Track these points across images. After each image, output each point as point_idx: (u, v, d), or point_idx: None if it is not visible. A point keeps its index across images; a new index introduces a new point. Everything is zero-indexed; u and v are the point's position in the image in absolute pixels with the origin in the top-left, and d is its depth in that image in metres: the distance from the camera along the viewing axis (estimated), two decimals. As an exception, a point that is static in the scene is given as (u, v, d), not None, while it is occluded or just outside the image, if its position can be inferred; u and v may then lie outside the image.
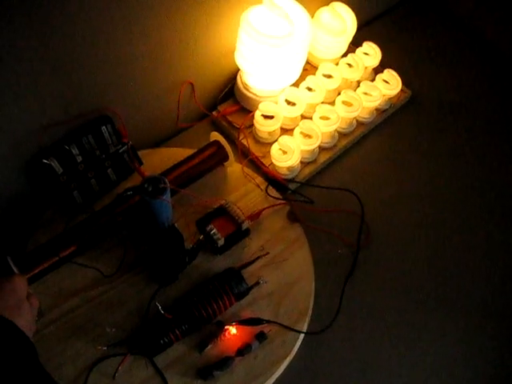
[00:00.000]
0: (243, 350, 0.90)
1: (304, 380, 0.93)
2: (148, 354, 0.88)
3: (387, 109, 1.17)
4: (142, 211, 0.93)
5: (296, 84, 1.10)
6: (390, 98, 1.16)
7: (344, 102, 1.09)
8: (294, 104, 1.07)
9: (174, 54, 1.00)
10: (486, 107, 1.25)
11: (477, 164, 1.16)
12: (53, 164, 0.93)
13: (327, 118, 1.06)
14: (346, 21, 1.11)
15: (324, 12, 1.12)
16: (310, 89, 1.10)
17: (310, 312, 0.96)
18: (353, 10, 1.14)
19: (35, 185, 0.99)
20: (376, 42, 1.18)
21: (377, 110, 1.16)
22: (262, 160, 1.07)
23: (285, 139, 1.03)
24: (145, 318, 0.91)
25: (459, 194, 1.12)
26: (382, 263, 1.04)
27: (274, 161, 1.04)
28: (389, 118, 1.19)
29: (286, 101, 1.08)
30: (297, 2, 1.02)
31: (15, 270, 0.87)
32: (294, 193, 1.07)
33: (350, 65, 1.14)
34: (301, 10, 1.01)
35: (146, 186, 0.89)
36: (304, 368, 0.93)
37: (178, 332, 0.88)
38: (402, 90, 1.18)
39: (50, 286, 0.93)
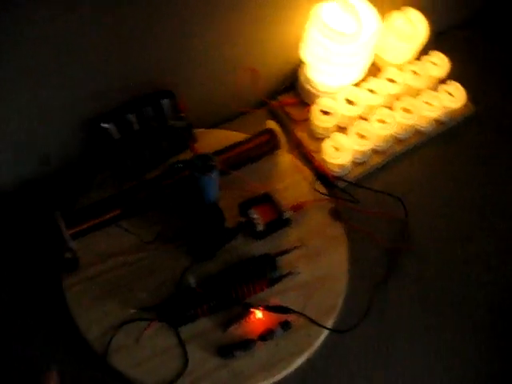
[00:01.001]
0: (266, 336, 0.91)
1: (319, 376, 0.93)
2: (173, 324, 0.91)
3: (447, 121, 1.15)
4: (189, 186, 0.96)
5: (358, 84, 1.11)
6: (451, 111, 1.14)
7: (403, 108, 1.08)
8: (353, 103, 1.07)
9: (241, 38, 1.02)
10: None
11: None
12: (111, 129, 0.97)
13: (384, 122, 1.06)
14: (417, 27, 1.10)
15: (396, 16, 1.11)
16: (371, 90, 1.10)
17: (337, 310, 0.96)
18: (427, 18, 1.13)
19: (92, 147, 1.03)
20: (447, 54, 1.17)
21: (436, 120, 1.14)
22: (313, 154, 1.08)
23: (339, 137, 1.04)
24: (176, 289, 0.93)
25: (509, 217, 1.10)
26: (418, 275, 1.02)
27: (325, 156, 1.04)
28: (448, 131, 1.17)
29: (346, 99, 1.08)
30: (368, 3, 1.02)
31: (61, 224, 0.92)
32: (340, 191, 1.07)
33: (415, 72, 1.13)
34: (371, 11, 1.01)
35: (196, 161, 0.91)
36: (319, 365, 0.93)
37: (205, 307, 0.90)
38: (465, 105, 1.16)
39: (91, 244, 0.97)
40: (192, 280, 0.90)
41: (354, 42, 0.98)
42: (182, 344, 0.90)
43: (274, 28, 1.05)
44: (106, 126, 0.97)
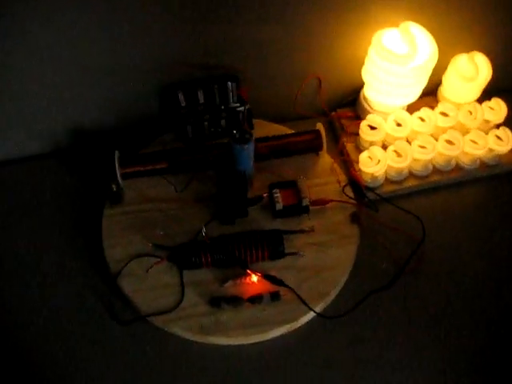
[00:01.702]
0: (255, 299, 1.00)
1: (295, 354, 1.00)
2: (180, 266, 1.03)
3: (494, 165, 1.18)
4: (226, 155, 1.09)
5: (411, 112, 1.18)
6: (498, 155, 1.17)
7: (447, 141, 1.14)
8: (400, 125, 1.15)
9: (311, 49, 1.16)
10: None
11: None
12: (180, 96, 1.13)
13: (424, 147, 1.12)
14: (479, 70, 1.16)
15: (461, 57, 1.18)
16: (421, 119, 1.17)
17: (329, 298, 1.03)
18: (497, 68, 1.19)
19: (163, 109, 1.20)
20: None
21: (481, 162, 1.18)
22: (353, 164, 1.17)
23: (375, 149, 1.12)
24: (191, 238, 1.06)
25: None
26: (417, 294, 1.06)
27: (360, 164, 1.13)
28: (495, 177, 1.20)
29: (395, 120, 1.16)
30: (430, 37, 1.10)
31: (116, 162, 1.09)
32: (366, 199, 1.14)
33: (470, 112, 1.18)
34: (430, 43, 1.10)
35: (234, 132, 1.04)
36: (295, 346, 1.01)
37: (209, 258, 1.02)
38: (515, 155, 1.19)
39: (138, 186, 1.13)
40: (204, 230, 1.02)
41: (406, 64, 1.07)
42: (182, 285, 1.02)
43: (342, 47, 1.17)
44: (178, 93, 1.13)
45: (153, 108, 1.20)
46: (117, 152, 1.10)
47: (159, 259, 1.04)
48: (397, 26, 1.11)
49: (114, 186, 1.09)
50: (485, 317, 1.04)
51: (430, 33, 1.11)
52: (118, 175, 1.10)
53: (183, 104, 1.14)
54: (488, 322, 1.04)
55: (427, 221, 1.12)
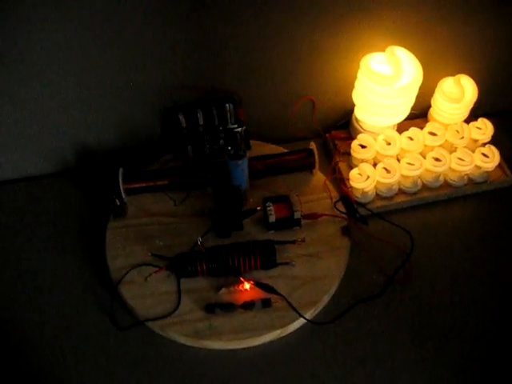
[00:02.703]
0: (247, 305, 1.05)
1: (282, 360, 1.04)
2: (177, 274, 1.09)
3: (482, 183, 1.23)
4: (223, 172, 1.15)
5: (401, 131, 1.24)
6: (487, 173, 1.22)
7: (434, 158, 1.19)
8: (389, 144, 1.21)
9: (303, 70, 1.23)
10: None
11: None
12: (180, 118, 1.21)
13: (412, 164, 1.18)
14: (465, 92, 1.22)
15: (448, 80, 1.25)
16: (410, 138, 1.23)
17: (319, 306, 1.07)
18: (483, 92, 1.25)
19: (164, 130, 1.28)
20: (499, 125, 1.27)
21: (470, 179, 1.23)
22: (345, 181, 1.22)
23: (365, 165, 1.18)
24: (189, 249, 1.11)
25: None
26: (404, 306, 1.09)
27: (350, 181, 1.18)
28: (483, 194, 1.25)
29: (384, 140, 1.22)
30: (416, 61, 1.17)
31: (120, 178, 1.16)
32: (357, 213, 1.19)
33: (457, 131, 1.24)
34: (416, 67, 1.16)
35: (229, 148, 1.11)
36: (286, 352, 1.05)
37: (205, 267, 1.07)
38: (504, 172, 1.24)
39: (140, 201, 1.20)
40: (200, 240, 1.08)
41: (391, 84, 1.14)
42: (179, 292, 1.07)
43: (333, 71, 1.25)
44: (179, 115, 1.21)
45: (155, 129, 1.28)
46: (121, 169, 1.18)
47: (158, 268, 1.10)
48: (383, 50, 1.18)
49: (117, 200, 1.16)
50: (470, 328, 1.07)
51: (418, 57, 1.18)
52: (122, 190, 1.17)
53: (184, 125, 1.22)
54: (473, 333, 1.07)
55: (416, 235, 1.17)
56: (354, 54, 1.21)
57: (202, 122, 1.22)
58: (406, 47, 1.18)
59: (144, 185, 1.20)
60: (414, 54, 1.18)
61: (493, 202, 1.25)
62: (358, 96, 1.23)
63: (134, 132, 1.27)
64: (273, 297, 1.06)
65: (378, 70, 1.17)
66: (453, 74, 1.26)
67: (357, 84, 1.22)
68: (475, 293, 1.12)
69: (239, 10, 1.09)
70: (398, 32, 1.19)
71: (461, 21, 1.21)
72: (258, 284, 1.07)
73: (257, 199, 1.19)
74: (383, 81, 1.14)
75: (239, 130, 1.24)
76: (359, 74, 1.20)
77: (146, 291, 1.08)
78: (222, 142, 1.24)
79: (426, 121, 1.32)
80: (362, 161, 1.22)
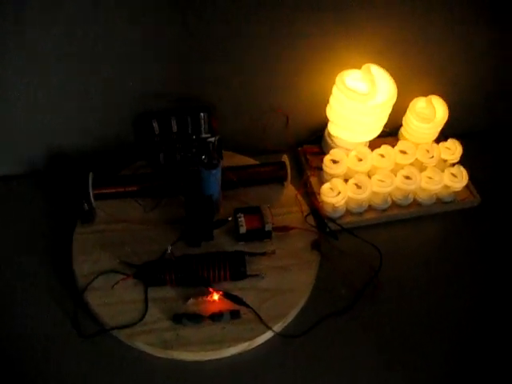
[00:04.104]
0: (215, 316, 1.04)
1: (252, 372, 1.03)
2: (145, 283, 1.07)
3: (450, 202, 1.25)
4: (195, 180, 1.14)
5: (372, 149, 1.26)
6: (454, 193, 1.24)
7: (405, 176, 1.20)
8: (361, 160, 1.22)
9: (278, 85, 1.24)
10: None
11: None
12: (154, 125, 1.20)
13: (383, 181, 1.19)
14: (435, 112, 1.25)
15: (420, 100, 1.27)
16: (381, 155, 1.24)
17: (288, 319, 1.07)
18: (453, 113, 1.27)
19: (137, 137, 1.27)
20: (468, 146, 1.29)
21: (439, 199, 1.25)
22: (316, 196, 1.23)
23: (337, 181, 1.19)
24: (158, 257, 1.10)
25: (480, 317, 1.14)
26: (372, 320, 1.10)
27: (321, 195, 1.19)
28: (450, 214, 1.27)
29: (356, 156, 1.23)
30: (390, 79, 1.19)
31: (89, 183, 1.14)
32: (327, 228, 1.20)
33: (427, 151, 1.26)
34: (390, 85, 1.18)
35: (203, 157, 1.10)
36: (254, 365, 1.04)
37: (173, 276, 1.06)
38: (471, 192, 1.27)
39: (109, 207, 1.19)
40: (169, 248, 1.07)
41: (366, 101, 1.15)
42: (146, 301, 1.05)
43: (308, 86, 1.26)
44: (152, 123, 1.20)
45: (128, 135, 1.27)
46: (91, 173, 1.16)
47: (125, 276, 1.07)
48: (359, 67, 1.20)
49: (86, 205, 1.14)
50: (437, 342, 1.08)
51: (392, 76, 1.20)
52: (91, 195, 1.15)
53: (157, 132, 1.21)
54: (440, 348, 1.08)
55: (385, 251, 1.18)
56: (329, 70, 1.22)
57: (175, 130, 1.21)
58: (381, 65, 1.20)
59: (114, 190, 1.18)
60: (389, 72, 1.20)
61: (459, 221, 1.27)
62: (332, 111, 1.24)
63: (106, 137, 1.26)
64: (242, 308, 1.05)
65: (353, 86, 1.18)
66: (425, 95, 1.28)
67: (331, 99, 1.23)
68: (441, 308, 1.13)
69: (218, 24, 1.10)
70: (374, 50, 1.21)
71: (436, 44, 1.24)
72: (227, 295, 1.06)
73: (228, 210, 1.18)
74: (358, 97, 1.16)
75: (212, 139, 1.23)
76: (334, 90, 1.21)
77: (113, 299, 1.05)
78: (194, 150, 1.24)
79: (397, 139, 1.35)
80: (334, 176, 1.23)
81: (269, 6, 1.09)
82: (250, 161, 1.29)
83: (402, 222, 1.25)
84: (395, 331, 1.09)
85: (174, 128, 1.21)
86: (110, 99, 1.19)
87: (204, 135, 1.23)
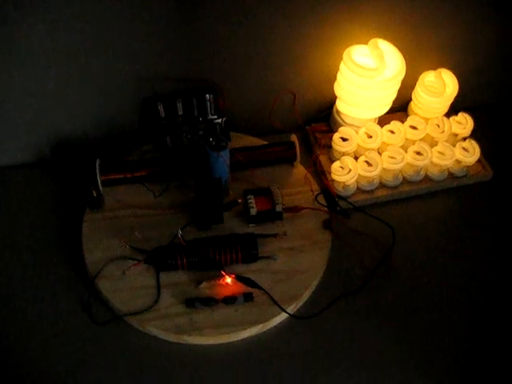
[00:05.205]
0: (228, 300, 1.03)
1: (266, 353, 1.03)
2: (157, 268, 1.06)
3: (462, 177, 1.23)
4: (203, 161, 1.13)
5: (382, 125, 1.24)
6: (466, 167, 1.22)
7: (415, 152, 1.19)
8: (370, 137, 1.20)
9: (285, 63, 1.22)
10: None
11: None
12: (160, 108, 1.18)
13: (394, 158, 1.17)
14: (445, 85, 1.22)
15: (429, 74, 1.25)
16: (392, 132, 1.22)
17: (301, 300, 1.06)
18: (463, 86, 1.25)
19: (143, 121, 1.25)
20: (479, 119, 1.27)
21: (451, 174, 1.23)
22: (326, 174, 1.21)
23: (347, 159, 1.17)
24: (168, 242, 1.09)
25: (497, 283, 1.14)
26: (386, 299, 1.09)
27: (332, 174, 1.17)
28: (464, 188, 1.25)
29: (366, 133, 1.21)
30: (399, 53, 1.16)
31: (97, 169, 1.13)
32: (341, 210, 1.18)
33: (438, 125, 1.24)
34: (398, 59, 1.16)
35: (211, 139, 1.09)
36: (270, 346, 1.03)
37: (185, 261, 1.05)
38: (483, 166, 1.24)
39: (117, 193, 1.17)
40: (180, 233, 1.05)
41: (374, 77, 1.13)
42: (158, 286, 1.04)
43: (315, 63, 1.24)
44: (158, 105, 1.18)
45: (133, 119, 1.25)
46: (98, 160, 1.14)
47: (136, 261, 1.07)
48: (366, 42, 1.17)
49: (94, 192, 1.12)
50: (453, 320, 1.07)
51: (400, 50, 1.17)
52: (99, 182, 1.13)
53: (163, 115, 1.19)
54: (457, 326, 1.07)
55: (397, 228, 1.16)
56: (336, 47, 1.19)
57: (181, 113, 1.20)
58: (389, 40, 1.17)
59: (122, 176, 1.16)
60: (396, 46, 1.17)
61: (472, 195, 1.25)
62: (339, 88, 1.22)
63: (111, 122, 1.24)
64: (254, 291, 1.04)
65: (360, 62, 1.16)
66: (434, 68, 1.26)
67: (339, 76, 1.21)
68: (456, 285, 1.12)
69: (224, 7, 1.08)
70: (381, 24, 1.18)
71: (445, 16, 1.21)
72: (240, 278, 1.05)
73: (237, 192, 1.17)
74: (366, 73, 1.13)
75: (219, 120, 1.22)
76: (341, 66, 1.18)
77: (124, 285, 1.05)
78: (201, 132, 1.22)
79: (407, 114, 1.32)
80: (343, 154, 1.21)
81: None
82: (258, 141, 1.27)
83: (414, 199, 1.23)
84: (409, 309, 1.08)
85: (180, 111, 1.19)
86: (114, 83, 1.17)
87: (210, 117, 1.21)
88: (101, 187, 1.14)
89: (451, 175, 1.24)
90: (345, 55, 1.17)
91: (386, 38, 1.18)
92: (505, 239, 1.20)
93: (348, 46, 1.18)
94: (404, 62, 1.16)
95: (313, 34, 1.17)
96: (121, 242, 1.10)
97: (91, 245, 1.10)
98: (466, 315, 1.09)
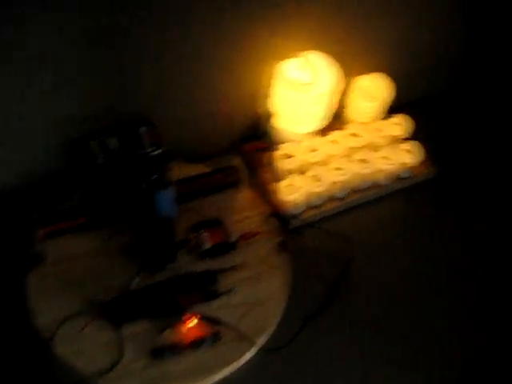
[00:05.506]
0: (196, 343, 0.99)
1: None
2: (115, 321, 1.01)
3: (407, 178, 1.24)
4: (147, 201, 1.07)
5: (323, 136, 1.22)
6: (411, 168, 1.23)
7: (361, 160, 1.18)
8: (314, 150, 1.18)
9: (217, 84, 1.17)
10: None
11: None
12: (92, 147, 1.11)
13: (340, 169, 1.16)
14: (382, 89, 1.22)
15: (363, 79, 1.24)
16: (334, 142, 1.21)
17: (269, 331, 1.03)
18: (396, 85, 1.24)
19: (75, 164, 1.17)
20: (416, 119, 1.27)
21: (395, 176, 1.23)
22: (273, 194, 1.18)
23: (294, 177, 1.15)
24: (123, 291, 1.03)
25: (452, 278, 1.16)
26: (354, 313, 1.09)
27: (280, 194, 1.14)
28: (409, 189, 1.26)
29: (308, 146, 1.19)
30: (332, 63, 1.14)
31: (36, 223, 1.05)
32: (290, 227, 1.16)
33: (377, 129, 1.24)
34: (332, 70, 1.14)
35: (154, 177, 1.04)
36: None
37: (144, 309, 1.00)
38: (426, 165, 1.25)
39: (59, 244, 1.09)
40: (136, 280, 1.00)
41: (309, 91, 1.11)
42: (120, 340, 0.99)
43: (247, 81, 1.19)
44: (90, 145, 1.11)
45: (66, 162, 1.17)
46: (34, 214, 1.07)
47: (93, 317, 1.01)
48: (298, 55, 1.15)
49: (34, 247, 1.05)
50: (419, 321, 1.09)
51: (331, 58, 1.15)
52: (38, 236, 1.06)
53: (97, 155, 1.12)
54: (422, 326, 1.09)
55: (352, 238, 1.16)
56: (267, 62, 1.16)
57: (116, 150, 1.13)
58: (320, 49, 1.15)
59: (62, 226, 1.09)
60: (328, 54, 1.15)
61: (418, 194, 1.27)
62: (274, 104, 1.19)
63: (42, 168, 1.16)
64: (221, 329, 1.01)
65: (294, 76, 1.13)
66: (367, 72, 1.25)
67: (272, 92, 1.18)
68: (419, 284, 1.14)
69: (147, 31, 1.01)
70: (312, 36, 1.15)
71: (373, 20, 1.20)
72: (204, 318, 1.01)
73: (185, 225, 1.12)
74: (301, 88, 1.11)
75: (157, 152, 1.16)
76: (274, 82, 1.15)
77: (84, 344, 0.99)
78: (140, 168, 1.17)
79: (342, 122, 1.31)
80: (288, 171, 1.18)
81: (186, 10, 1.01)
82: (200, 168, 1.23)
83: (362, 206, 1.23)
84: (377, 316, 1.09)
85: (116, 148, 1.13)
86: (37, 126, 1.08)
87: (148, 150, 1.15)
88: (41, 242, 1.06)
89: (396, 177, 1.24)
90: (276, 70, 1.14)
91: (318, 48, 1.15)
92: (456, 231, 1.22)
93: (280, 60, 1.15)
94: (339, 71, 1.14)
95: (241, 52, 1.13)
96: (72, 297, 1.03)
97: (40, 306, 1.02)
98: (437, 312, 1.11)
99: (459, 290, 1.14)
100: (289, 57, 1.15)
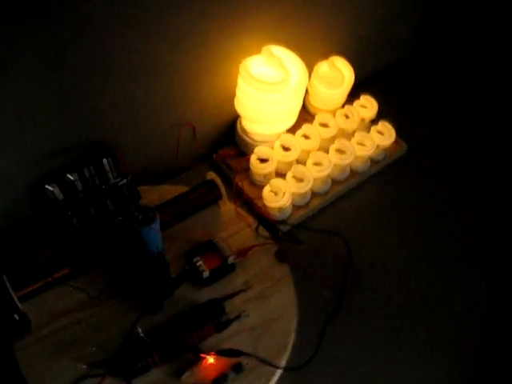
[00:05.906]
0: (220, 380, 0.92)
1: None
2: (126, 377, 0.91)
3: (382, 159, 1.21)
4: (132, 239, 0.98)
5: (293, 131, 1.16)
6: (384, 149, 1.20)
7: (337, 150, 1.13)
8: (288, 149, 1.13)
9: (177, 96, 1.08)
10: (479, 171, 1.30)
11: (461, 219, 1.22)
12: (54, 190, 1.00)
13: (320, 164, 1.11)
14: (343, 74, 1.17)
15: (323, 65, 1.19)
16: (306, 136, 1.15)
17: (289, 349, 0.97)
18: (352, 65, 1.20)
19: (37, 209, 1.05)
20: (376, 97, 1.24)
21: (371, 160, 1.20)
22: (255, 201, 1.12)
23: (276, 181, 1.08)
24: (126, 342, 0.94)
25: (444, 245, 1.17)
26: (365, 308, 1.07)
27: (265, 201, 1.08)
28: (384, 169, 1.24)
29: (282, 146, 1.13)
30: (294, 54, 1.08)
31: (8, 287, 0.93)
32: (283, 233, 1.10)
33: (346, 116, 1.19)
34: (296, 61, 1.08)
35: (136, 214, 0.94)
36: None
37: (156, 357, 0.91)
38: (397, 143, 1.23)
39: (41, 304, 0.98)
40: (140, 330, 0.91)
41: (279, 90, 1.04)
42: (135, 396, 0.90)
43: (209, 84, 1.11)
44: (49, 187, 1.00)
45: (27, 209, 1.05)
46: (4, 275, 0.94)
47: (100, 377, 0.91)
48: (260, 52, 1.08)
49: (15, 314, 0.93)
50: (430, 304, 1.08)
51: (290, 48, 1.09)
52: (15, 300, 0.94)
53: (60, 196, 1.01)
54: (430, 307, 1.08)
55: (344, 231, 1.12)
56: (229, 62, 1.09)
57: (80, 187, 1.02)
58: (278, 42, 1.09)
59: (40, 283, 0.97)
60: (285, 45, 1.09)
61: (392, 174, 1.25)
62: (241, 106, 1.12)
63: (4, 219, 1.03)
64: (241, 359, 0.94)
65: (260, 73, 1.06)
66: (325, 57, 1.20)
67: (238, 92, 1.10)
68: (413, 256, 1.15)
69: (100, 60, 0.93)
70: (269, 30, 1.09)
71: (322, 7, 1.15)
72: (221, 352, 0.94)
73: (174, 253, 1.03)
74: (271, 88, 1.04)
75: (124, 182, 1.06)
76: (240, 81, 1.08)
77: (99, 411, 0.89)
78: (109, 202, 1.06)
79: (306, 111, 1.25)
80: (265, 175, 1.12)
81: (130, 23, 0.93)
82: (172, 189, 1.12)
83: (347, 196, 1.20)
84: (392, 304, 1.08)
85: (79, 185, 1.02)
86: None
87: (114, 181, 1.05)
88: (20, 306, 0.94)
89: (372, 161, 1.21)
90: (241, 69, 1.06)
91: (274, 41, 1.09)
92: (436, 203, 1.23)
93: (243, 58, 1.07)
94: (303, 63, 1.08)
95: (199, 57, 1.05)
96: (72, 360, 0.93)
97: (37, 376, 0.91)
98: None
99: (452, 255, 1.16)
100: (251, 54, 1.08)
